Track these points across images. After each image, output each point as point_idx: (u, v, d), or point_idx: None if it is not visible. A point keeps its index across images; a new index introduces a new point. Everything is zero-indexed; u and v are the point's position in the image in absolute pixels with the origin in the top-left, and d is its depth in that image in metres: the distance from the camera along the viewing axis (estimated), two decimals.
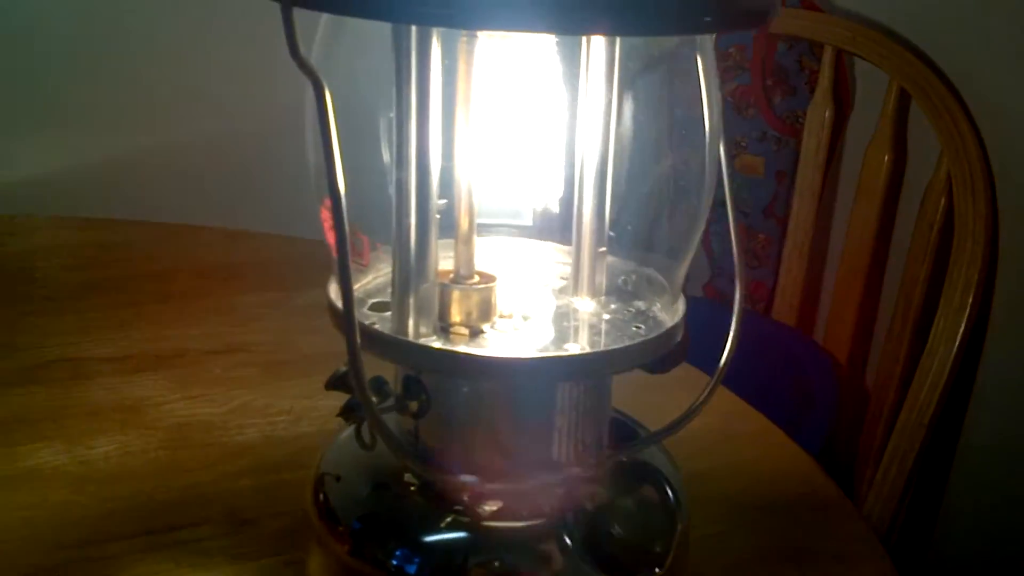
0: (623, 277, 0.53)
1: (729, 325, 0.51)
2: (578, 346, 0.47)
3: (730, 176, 0.49)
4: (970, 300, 1.14)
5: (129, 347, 0.78)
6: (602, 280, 0.52)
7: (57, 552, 0.56)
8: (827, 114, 1.27)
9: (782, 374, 1.21)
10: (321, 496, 0.51)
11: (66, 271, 0.91)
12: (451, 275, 0.48)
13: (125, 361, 0.76)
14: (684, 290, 0.50)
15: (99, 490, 0.62)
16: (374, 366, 0.45)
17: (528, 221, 0.55)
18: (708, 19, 0.39)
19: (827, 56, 1.25)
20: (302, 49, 0.40)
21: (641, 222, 0.52)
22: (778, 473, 0.72)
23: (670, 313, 0.50)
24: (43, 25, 1.04)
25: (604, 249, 0.51)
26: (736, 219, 0.50)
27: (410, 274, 0.45)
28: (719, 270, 1.41)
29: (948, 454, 1.27)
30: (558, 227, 0.54)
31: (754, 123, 1.30)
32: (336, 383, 0.51)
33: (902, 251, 1.23)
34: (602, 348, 0.46)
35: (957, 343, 1.14)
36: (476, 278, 0.48)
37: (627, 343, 0.46)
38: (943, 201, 1.18)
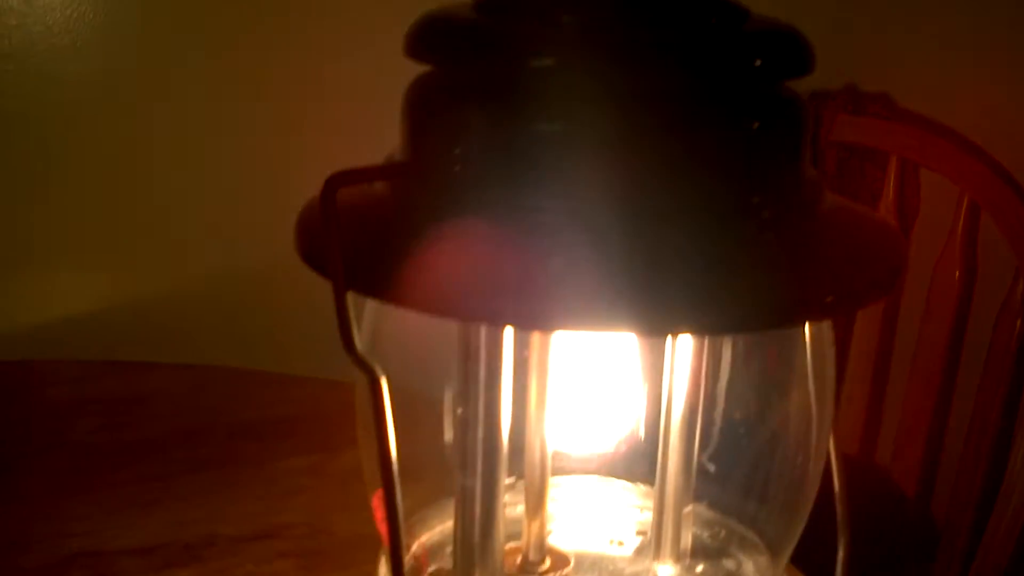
0: (711, 532, 0.47)
1: None
2: None
3: (838, 450, 0.43)
4: None
5: (157, 534, 0.72)
6: (687, 541, 0.46)
7: None
8: None
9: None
10: None
11: (95, 433, 0.86)
12: (518, 558, 0.42)
13: (152, 554, 0.70)
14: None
15: None
16: None
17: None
18: (830, 300, 0.33)
19: (892, 166, 1.18)
20: (358, 341, 0.34)
21: (737, 481, 0.46)
22: None
23: None
24: (61, 160, 1.00)
25: (690, 508, 0.45)
26: (844, 485, 0.44)
27: (472, 571, 0.39)
28: None
29: None
30: (641, 464, 0.48)
31: None
32: None
33: (973, 376, 1.16)
34: None
35: None
36: (547, 562, 0.42)
37: None
38: (1019, 323, 1.11)
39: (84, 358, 0.99)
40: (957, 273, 1.17)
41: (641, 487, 0.50)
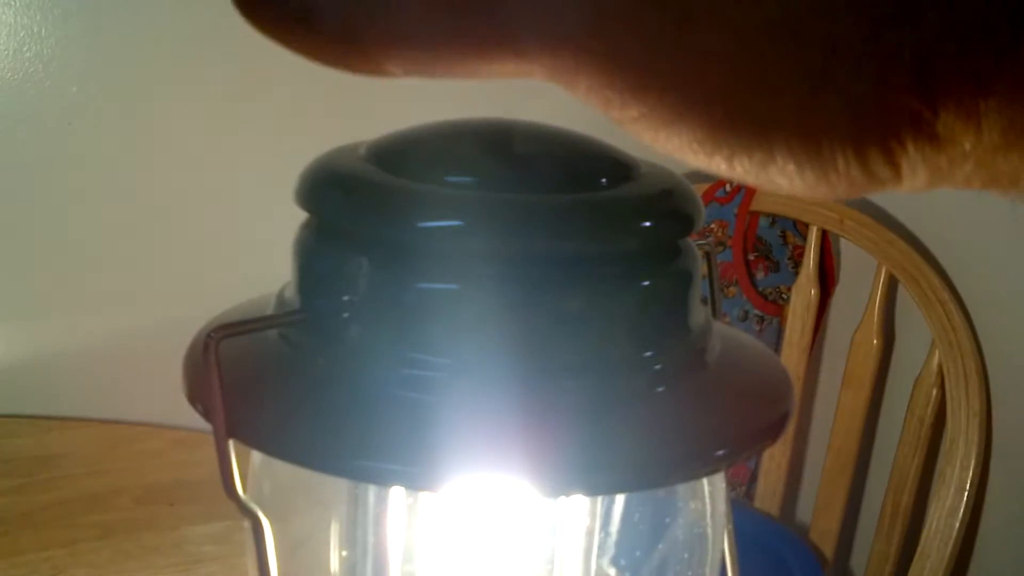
0: None
1: None
2: None
3: (733, 552, 0.43)
4: (963, 502, 1.09)
5: None
6: None
7: None
8: (812, 294, 1.23)
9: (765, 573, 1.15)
10: None
11: (2, 496, 0.84)
12: None
13: None
14: None
15: None
16: None
17: None
18: (721, 453, 0.34)
19: (812, 237, 1.21)
20: (239, 486, 0.34)
21: None
22: None
23: None
24: None
25: None
26: None
27: None
28: None
29: None
30: None
31: (735, 301, 1.25)
32: None
33: (889, 441, 1.18)
34: None
35: (950, 548, 1.09)
36: None
37: None
38: (935, 393, 1.13)
39: None
40: (875, 342, 1.19)
41: None
